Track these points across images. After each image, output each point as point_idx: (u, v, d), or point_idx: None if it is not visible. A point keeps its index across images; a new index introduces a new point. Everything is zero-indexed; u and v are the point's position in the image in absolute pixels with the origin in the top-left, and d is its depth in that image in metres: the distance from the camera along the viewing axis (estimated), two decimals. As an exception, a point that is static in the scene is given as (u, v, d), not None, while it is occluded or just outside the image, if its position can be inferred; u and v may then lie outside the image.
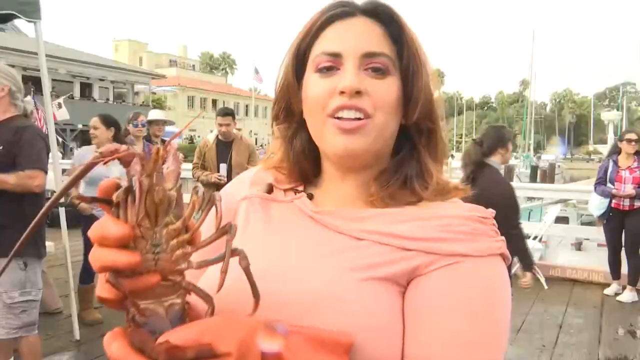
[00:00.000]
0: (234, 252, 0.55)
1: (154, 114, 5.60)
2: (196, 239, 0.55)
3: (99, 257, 0.51)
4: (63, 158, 9.09)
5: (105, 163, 0.51)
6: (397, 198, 0.72)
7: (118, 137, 4.19)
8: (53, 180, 3.90)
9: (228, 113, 5.12)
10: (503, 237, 0.69)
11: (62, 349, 3.79)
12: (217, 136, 5.10)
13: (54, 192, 4.22)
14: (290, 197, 0.79)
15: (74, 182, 0.51)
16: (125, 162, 0.52)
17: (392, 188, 0.72)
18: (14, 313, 2.64)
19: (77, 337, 3.91)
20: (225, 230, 0.54)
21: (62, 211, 3.85)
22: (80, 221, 4.21)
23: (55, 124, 5.29)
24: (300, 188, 0.81)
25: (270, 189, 0.82)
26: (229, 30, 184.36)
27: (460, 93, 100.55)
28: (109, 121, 4.22)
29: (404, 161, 0.74)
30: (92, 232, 0.51)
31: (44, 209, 0.53)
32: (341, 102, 0.68)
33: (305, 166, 0.79)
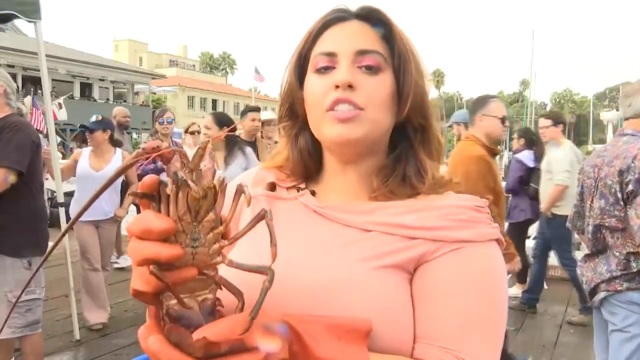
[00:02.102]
0: (263, 271, 0.56)
1: (266, 115, 5.21)
2: (229, 230, 0.58)
3: (140, 250, 0.52)
4: (64, 158, 9.07)
5: (147, 159, 0.53)
6: (397, 193, 0.76)
7: (230, 137, 3.83)
8: (55, 179, 3.91)
9: (256, 109, 4.83)
10: (497, 224, 0.75)
11: (62, 349, 3.80)
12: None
13: (54, 191, 4.20)
14: (293, 194, 0.82)
15: (121, 173, 0.53)
16: (166, 159, 0.54)
17: (392, 184, 0.77)
18: (20, 312, 2.66)
19: (77, 337, 3.91)
20: (262, 217, 0.56)
21: (62, 211, 3.84)
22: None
23: (55, 123, 5.30)
24: (302, 186, 0.84)
25: (272, 188, 0.84)
26: (229, 30, 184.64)
27: (460, 93, 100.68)
28: (222, 121, 3.94)
29: (401, 157, 0.79)
30: (132, 226, 0.53)
31: (88, 202, 0.53)
32: (336, 96, 0.73)
33: (308, 162, 0.83)
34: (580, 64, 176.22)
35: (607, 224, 2.21)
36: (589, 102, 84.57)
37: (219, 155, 3.62)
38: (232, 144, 3.74)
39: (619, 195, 2.13)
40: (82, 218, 4.03)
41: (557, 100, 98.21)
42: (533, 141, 5.34)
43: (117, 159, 4.26)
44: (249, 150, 3.87)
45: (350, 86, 0.73)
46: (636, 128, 2.25)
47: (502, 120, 3.09)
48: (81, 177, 4.21)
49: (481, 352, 0.67)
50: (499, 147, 3.24)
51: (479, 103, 3.20)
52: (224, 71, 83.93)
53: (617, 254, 2.19)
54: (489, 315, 0.69)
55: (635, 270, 2.14)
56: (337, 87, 0.73)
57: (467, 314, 0.67)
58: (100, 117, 4.26)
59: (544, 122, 4.91)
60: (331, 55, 0.75)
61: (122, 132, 5.84)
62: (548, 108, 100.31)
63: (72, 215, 4.03)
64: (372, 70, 0.74)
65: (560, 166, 4.52)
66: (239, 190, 0.58)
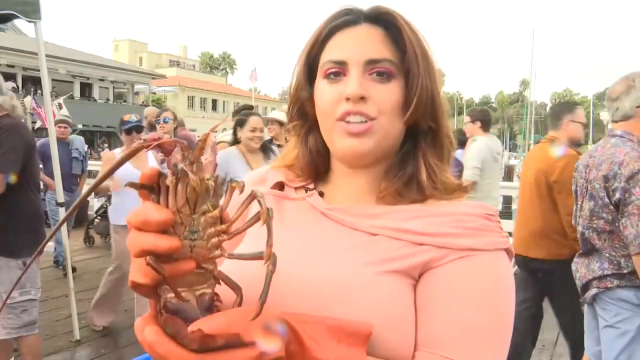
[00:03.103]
0: (263, 256, 0.55)
1: (274, 114, 4.95)
2: (231, 229, 0.58)
3: (138, 241, 0.52)
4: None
5: (147, 150, 0.52)
6: (403, 195, 0.75)
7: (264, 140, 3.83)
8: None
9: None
10: (507, 233, 0.73)
11: (62, 349, 3.79)
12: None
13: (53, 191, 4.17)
14: (302, 194, 0.82)
15: (120, 165, 0.52)
16: (166, 151, 0.53)
17: (397, 184, 0.76)
18: (15, 313, 2.65)
19: (77, 337, 3.91)
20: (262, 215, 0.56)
21: (62, 211, 3.84)
22: (83, 222, 4.17)
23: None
24: (311, 186, 0.83)
25: (280, 187, 0.84)
26: (229, 30, 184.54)
27: (460, 93, 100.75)
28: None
29: (408, 158, 0.78)
30: (132, 218, 0.53)
31: (83, 194, 0.54)
32: (347, 108, 0.73)
33: (318, 162, 0.83)
34: (580, 64, 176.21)
35: (594, 226, 2.24)
36: (589, 102, 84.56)
37: (256, 159, 3.61)
38: (266, 147, 3.78)
39: (606, 200, 2.16)
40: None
41: (557, 100, 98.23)
42: (462, 141, 5.51)
43: (150, 155, 4.03)
44: (276, 149, 3.95)
45: (361, 98, 0.72)
46: (626, 129, 2.23)
47: (584, 126, 3.29)
48: (127, 180, 4.02)
49: None
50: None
51: (567, 109, 3.39)
52: (224, 71, 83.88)
53: (607, 255, 2.22)
54: (493, 325, 0.67)
55: (625, 271, 2.17)
56: (347, 99, 0.72)
57: (471, 322, 0.66)
58: (138, 117, 4.13)
59: (465, 119, 5.17)
60: (341, 63, 0.74)
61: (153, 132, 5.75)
62: (548, 108, 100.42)
63: (113, 222, 3.93)
64: (383, 76, 0.73)
65: (470, 162, 4.62)
66: (252, 196, 0.57)
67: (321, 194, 0.81)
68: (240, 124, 3.73)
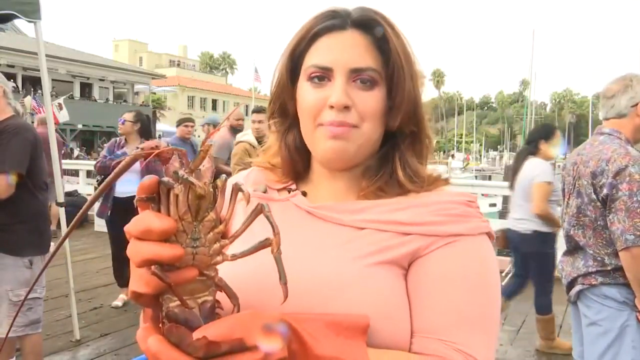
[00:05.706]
0: (266, 243, 0.56)
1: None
2: (228, 229, 0.58)
3: (140, 250, 0.52)
4: (64, 158, 9.02)
5: (145, 158, 0.52)
6: (386, 191, 0.77)
7: None
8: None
9: (261, 110, 4.94)
10: (487, 219, 0.76)
11: (62, 349, 3.80)
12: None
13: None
14: (284, 195, 0.82)
15: (117, 176, 0.52)
16: (164, 159, 0.53)
17: (379, 182, 0.78)
18: (21, 311, 2.67)
19: (77, 337, 3.91)
20: (259, 210, 0.56)
21: (62, 211, 3.84)
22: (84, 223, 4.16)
23: (55, 124, 5.28)
24: (293, 187, 0.84)
25: (264, 190, 0.85)
26: (229, 30, 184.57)
27: (460, 93, 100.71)
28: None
29: (387, 158, 0.79)
30: (132, 227, 0.52)
31: (88, 202, 0.54)
32: (330, 118, 0.74)
33: (297, 160, 0.83)
34: (580, 64, 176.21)
35: (581, 223, 2.26)
36: (589, 102, 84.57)
37: None
38: None
39: (593, 196, 2.18)
40: None
41: (557, 100, 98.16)
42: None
43: None
44: None
45: (345, 107, 0.73)
46: (614, 127, 2.27)
47: None
48: None
49: (478, 343, 0.67)
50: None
51: None
52: (224, 71, 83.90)
53: (592, 252, 2.23)
54: (484, 307, 0.70)
55: (609, 268, 2.18)
56: (331, 107, 0.73)
57: (463, 306, 0.68)
58: None
59: None
60: (326, 69, 0.75)
61: (234, 135, 5.70)
62: (548, 108, 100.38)
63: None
64: (366, 84, 0.75)
65: None
66: (236, 189, 0.57)
67: (304, 194, 0.82)
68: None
